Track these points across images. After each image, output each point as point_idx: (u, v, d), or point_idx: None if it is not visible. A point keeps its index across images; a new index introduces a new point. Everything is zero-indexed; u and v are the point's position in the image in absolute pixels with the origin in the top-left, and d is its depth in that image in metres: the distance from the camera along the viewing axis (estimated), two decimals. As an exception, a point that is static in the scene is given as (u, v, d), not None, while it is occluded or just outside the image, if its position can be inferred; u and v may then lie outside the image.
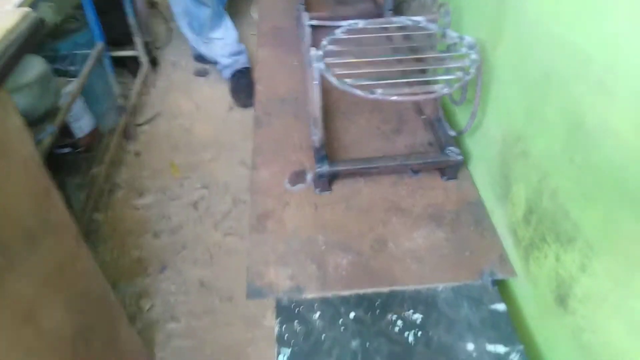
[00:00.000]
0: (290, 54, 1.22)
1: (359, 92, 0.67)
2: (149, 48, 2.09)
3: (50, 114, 1.19)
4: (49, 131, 1.10)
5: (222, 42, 1.88)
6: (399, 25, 0.83)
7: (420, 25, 0.82)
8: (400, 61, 0.78)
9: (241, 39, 2.00)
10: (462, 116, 0.92)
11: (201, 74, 2.11)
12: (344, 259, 0.73)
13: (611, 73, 0.48)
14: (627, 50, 0.46)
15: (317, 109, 0.78)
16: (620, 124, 0.47)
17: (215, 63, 2.00)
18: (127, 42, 1.93)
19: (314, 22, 0.82)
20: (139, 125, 1.82)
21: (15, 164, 0.63)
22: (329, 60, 0.74)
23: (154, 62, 2.10)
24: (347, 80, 0.69)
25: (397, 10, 1.27)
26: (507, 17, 0.71)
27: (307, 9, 1.37)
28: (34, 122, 1.14)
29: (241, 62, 1.95)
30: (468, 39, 0.76)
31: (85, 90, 1.43)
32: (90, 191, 1.42)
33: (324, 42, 0.78)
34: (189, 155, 1.68)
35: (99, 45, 1.47)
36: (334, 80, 0.69)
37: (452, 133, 0.84)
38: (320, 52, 0.74)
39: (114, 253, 1.39)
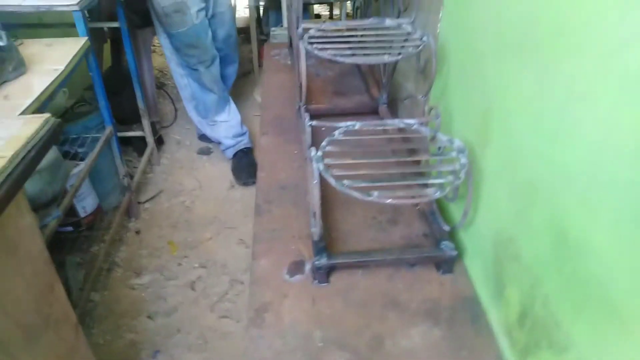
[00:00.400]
0: (291, 143, 1.28)
1: (356, 194, 0.71)
2: (155, 128, 2.19)
3: (57, 197, 1.23)
4: (55, 216, 1.13)
5: (226, 124, 1.97)
6: (392, 127, 0.88)
7: (413, 127, 0.88)
8: (395, 163, 0.83)
9: (244, 120, 2.10)
10: (456, 209, 0.96)
11: (204, 152, 2.19)
12: (341, 359, 0.73)
13: (594, 190, 0.52)
14: (608, 169, 0.50)
15: (317, 205, 0.82)
16: (603, 240, 0.50)
17: (218, 143, 2.08)
18: (135, 120, 2.02)
19: (314, 123, 0.88)
20: (142, 203, 1.86)
21: (24, 262, 0.65)
22: (328, 161, 0.78)
23: (159, 141, 2.19)
24: (345, 181, 0.73)
25: (391, 105, 1.35)
26: (493, 125, 0.77)
27: (307, 100, 1.47)
28: (41, 206, 1.17)
29: (243, 142, 2.03)
30: (457, 142, 0.81)
31: (92, 171, 1.49)
32: (89, 271, 1.42)
33: (324, 144, 0.83)
34: (189, 234, 1.70)
35: (108, 129, 1.55)
36: (332, 182, 0.73)
37: (446, 228, 0.87)
38: (320, 154, 0.79)
39: (108, 336, 1.37)
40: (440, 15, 1.02)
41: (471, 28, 0.86)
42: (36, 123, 0.69)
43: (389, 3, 1.30)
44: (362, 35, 1.00)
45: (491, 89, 0.77)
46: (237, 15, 3.49)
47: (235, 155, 2.02)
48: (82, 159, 1.50)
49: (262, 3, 3.02)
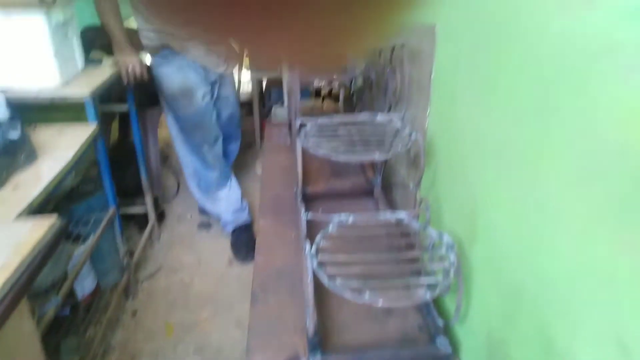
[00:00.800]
0: (289, 226, 1.32)
1: (348, 295, 0.73)
2: (157, 202, 2.23)
3: (57, 282, 1.24)
4: (54, 303, 1.14)
5: (227, 200, 2.02)
6: (384, 221, 0.92)
7: (404, 222, 0.91)
8: (387, 259, 0.85)
9: (246, 193, 2.15)
10: (451, 301, 0.97)
11: (205, 226, 2.22)
12: None
13: (574, 304, 0.54)
14: (587, 286, 0.52)
15: (311, 301, 0.83)
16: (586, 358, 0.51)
17: (218, 218, 2.12)
18: (138, 194, 2.07)
19: (310, 216, 0.92)
20: (140, 281, 1.86)
21: (19, 368, 0.66)
22: (322, 257, 0.81)
23: (161, 216, 2.22)
24: (338, 281, 0.75)
25: (385, 187, 1.39)
26: (479, 224, 0.80)
27: (305, 182, 1.52)
28: (41, 293, 1.18)
29: (243, 218, 2.06)
30: (447, 238, 0.84)
31: (93, 251, 1.51)
32: (84, 356, 1.40)
33: (318, 238, 0.86)
34: (186, 314, 1.69)
35: (112, 209, 1.59)
36: (325, 281, 0.76)
37: (440, 323, 0.88)
38: (314, 250, 0.82)
39: None
40: (428, 112, 1.09)
41: (455, 129, 0.92)
42: (42, 228, 0.72)
43: (381, 94, 1.39)
44: (356, 131, 1.06)
45: (475, 190, 0.82)
46: (240, 89, 3.68)
47: (234, 231, 2.05)
48: (84, 239, 1.53)
49: (264, 80, 3.19)
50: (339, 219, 0.90)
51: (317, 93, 3.21)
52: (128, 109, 1.80)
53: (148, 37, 1.75)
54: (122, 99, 1.82)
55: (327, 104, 2.73)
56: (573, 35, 0.53)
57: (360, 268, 0.80)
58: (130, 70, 1.59)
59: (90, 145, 1.39)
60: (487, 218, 0.77)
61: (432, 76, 1.06)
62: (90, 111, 1.38)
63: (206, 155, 1.93)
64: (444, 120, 0.99)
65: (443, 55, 1.00)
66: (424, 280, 0.77)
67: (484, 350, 0.78)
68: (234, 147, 2.22)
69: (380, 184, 1.40)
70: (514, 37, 0.67)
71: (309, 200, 1.44)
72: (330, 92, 3.34)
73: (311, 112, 2.24)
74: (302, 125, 1.08)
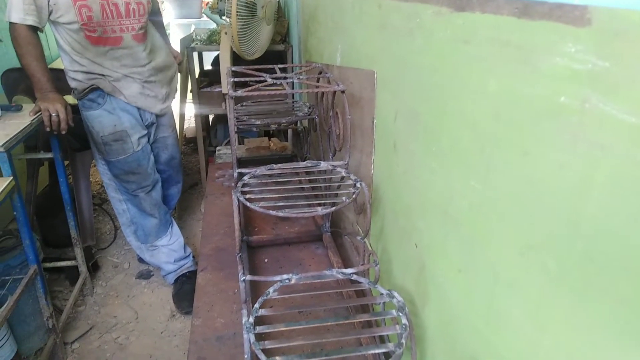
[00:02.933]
0: (231, 280, 1.22)
1: (290, 375, 0.65)
2: (91, 252, 2.05)
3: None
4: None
5: (168, 248, 1.88)
6: (331, 280, 0.85)
7: (352, 278, 0.85)
8: (334, 326, 0.78)
9: (191, 236, 2.03)
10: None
11: (144, 276, 2.06)
12: None
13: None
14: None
15: (250, 379, 0.74)
16: None
17: (159, 268, 1.97)
18: (69, 244, 1.90)
19: (248, 278, 0.84)
20: (69, 343, 1.67)
21: None
22: (261, 329, 0.73)
23: (94, 267, 2.04)
24: (277, 359, 0.67)
25: (334, 233, 1.34)
26: (429, 285, 0.75)
27: (250, 231, 1.43)
28: None
29: (186, 266, 1.93)
30: (397, 297, 0.78)
31: (11, 314, 1.33)
32: None
33: (257, 305, 0.77)
34: (120, 381, 1.52)
35: (32, 268, 1.42)
36: (263, 359, 0.67)
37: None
38: (252, 320, 0.74)
39: None
40: (372, 158, 1.05)
41: (398, 178, 0.88)
42: None
43: (325, 137, 1.35)
44: (297, 181, 1.00)
45: (423, 245, 0.77)
46: (185, 125, 3.55)
47: (177, 280, 1.90)
48: (1, 303, 1.35)
49: (211, 115, 3.09)
50: (280, 281, 0.83)
51: (266, 131, 3.15)
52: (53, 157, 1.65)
53: (76, 78, 1.63)
54: (49, 146, 1.67)
55: (275, 142, 2.68)
56: (513, 94, 0.50)
57: (305, 339, 0.72)
58: (54, 117, 1.46)
59: (7, 199, 1.24)
60: (436, 279, 0.72)
61: (374, 121, 1.03)
62: (4, 165, 1.24)
63: (143, 203, 1.80)
64: (388, 167, 0.96)
65: (383, 101, 0.97)
66: (376, 349, 0.71)
67: (440, 422, 0.72)
68: (175, 190, 2.10)
69: (328, 229, 1.34)
70: (452, 88, 0.64)
71: (254, 249, 1.35)
72: (279, 129, 3.30)
73: (258, 152, 2.17)
74: (240, 175, 1.01)
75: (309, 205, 0.90)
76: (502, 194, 0.53)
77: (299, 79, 1.15)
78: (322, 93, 1.32)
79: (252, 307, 0.77)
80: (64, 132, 1.49)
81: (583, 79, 0.40)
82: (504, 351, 0.53)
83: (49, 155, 1.63)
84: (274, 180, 1.00)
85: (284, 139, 2.78)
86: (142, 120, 1.75)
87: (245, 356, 0.71)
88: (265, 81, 1.10)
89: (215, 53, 2.78)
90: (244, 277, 0.84)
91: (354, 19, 1.15)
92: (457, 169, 0.63)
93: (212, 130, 3.18)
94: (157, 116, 1.82)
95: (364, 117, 1.08)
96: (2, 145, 1.22)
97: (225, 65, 2.31)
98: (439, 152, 0.69)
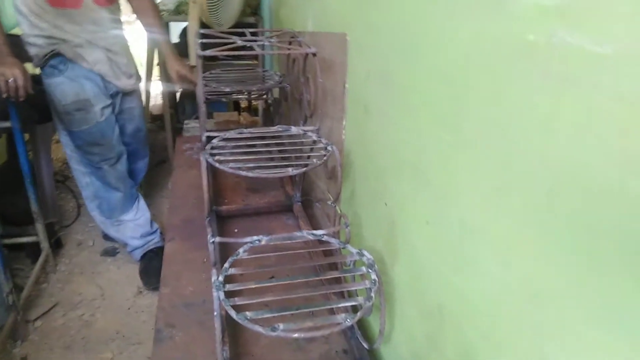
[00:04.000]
0: (200, 249, 1.20)
1: (259, 329, 0.64)
2: (53, 229, 1.98)
3: None
4: None
5: (134, 223, 1.84)
6: (301, 240, 0.85)
7: (323, 239, 0.85)
8: (304, 283, 0.78)
9: (160, 214, 1.98)
10: (375, 321, 0.91)
11: (109, 253, 2.01)
12: None
13: (497, 329, 0.50)
14: (512, 301, 0.48)
15: (219, 337, 0.73)
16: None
17: (125, 244, 1.92)
18: (30, 221, 1.82)
19: (217, 240, 0.82)
20: (32, 321, 1.62)
21: None
22: (230, 287, 0.72)
23: (57, 244, 1.98)
24: (248, 313, 0.66)
25: (304, 203, 1.33)
26: (398, 240, 0.75)
27: (219, 201, 1.41)
28: None
29: (154, 241, 1.89)
30: (367, 255, 0.78)
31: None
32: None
33: (226, 265, 0.76)
34: (86, 356, 1.49)
35: (-10, 242, 1.36)
36: (233, 314, 0.66)
37: (365, 346, 0.82)
38: (221, 279, 0.72)
39: None
40: (344, 123, 1.05)
41: (370, 140, 0.88)
42: None
43: (297, 106, 1.33)
44: (268, 145, 0.99)
45: (393, 203, 0.77)
46: (152, 103, 3.44)
47: (144, 256, 1.86)
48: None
49: (178, 92, 3.01)
50: (251, 242, 0.82)
51: (236, 106, 3.10)
52: (11, 127, 1.56)
53: (35, 44, 1.55)
54: (5, 116, 1.59)
55: (245, 117, 2.64)
56: (483, 39, 0.50)
57: (274, 296, 0.72)
58: (11, 82, 1.37)
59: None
60: (406, 234, 0.73)
61: (346, 86, 1.02)
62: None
63: (107, 176, 1.74)
64: (359, 131, 0.95)
65: (355, 65, 0.96)
66: (345, 303, 0.71)
67: (409, 375, 0.73)
68: (141, 165, 2.03)
69: (299, 199, 1.33)
70: (424, 43, 0.64)
71: (223, 220, 1.33)
72: (249, 105, 3.25)
73: (227, 126, 2.12)
74: (209, 139, 0.98)
75: (277, 167, 0.89)
76: (471, 141, 0.53)
77: (269, 42, 1.13)
78: (294, 60, 1.29)
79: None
80: (22, 99, 1.42)
81: (550, 14, 0.40)
82: (470, 294, 0.54)
83: (7, 124, 1.54)
84: (244, 144, 0.98)
85: (255, 115, 2.74)
86: (106, 89, 1.68)
87: (215, 313, 0.70)
88: (235, 43, 1.07)
89: (183, 24, 2.69)
90: (213, 239, 0.83)
91: (325, -18, 1.13)
92: (429, 123, 0.63)
93: (179, 107, 3.10)
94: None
95: (336, 82, 1.07)
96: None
97: (193, 36, 2.25)
98: (412, 110, 0.69)
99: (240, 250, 0.81)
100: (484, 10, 0.49)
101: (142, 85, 2.03)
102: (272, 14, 2.19)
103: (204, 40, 1.08)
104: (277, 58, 1.96)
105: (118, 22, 1.72)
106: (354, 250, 0.81)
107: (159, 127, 3.34)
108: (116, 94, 1.76)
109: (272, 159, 0.92)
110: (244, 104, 3.26)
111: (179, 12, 2.59)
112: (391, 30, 0.74)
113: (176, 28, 2.88)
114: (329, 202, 1.01)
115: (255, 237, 0.84)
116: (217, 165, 0.86)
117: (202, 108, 0.98)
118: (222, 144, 0.96)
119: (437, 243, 0.62)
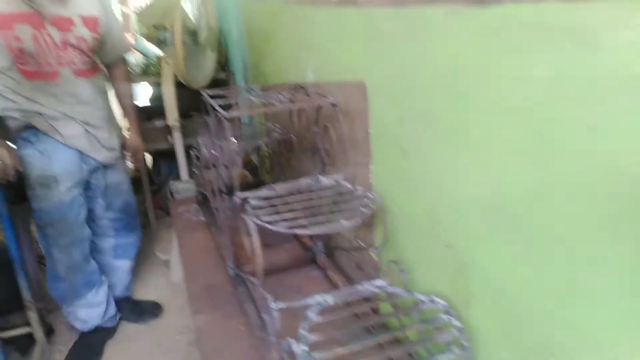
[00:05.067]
0: (233, 318, 1.13)
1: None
2: (42, 316, 1.82)
3: None
4: None
5: (86, 310, 1.74)
6: (366, 293, 0.82)
7: (388, 290, 0.82)
8: (386, 342, 0.74)
9: (143, 282, 1.88)
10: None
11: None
12: None
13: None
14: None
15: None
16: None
17: None
18: (14, 309, 1.67)
19: (282, 306, 0.78)
20: None
21: None
22: (317, 356, 0.67)
23: (50, 332, 1.81)
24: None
25: (329, 255, 1.30)
26: (472, 278, 0.74)
27: (238, 260, 1.35)
28: None
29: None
30: (440, 301, 0.77)
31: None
32: None
33: (303, 331, 0.72)
34: None
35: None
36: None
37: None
38: (304, 347, 0.68)
39: None
40: (371, 167, 1.05)
41: (415, 181, 0.87)
42: None
43: (307, 157, 1.32)
44: (301, 198, 0.97)
45: (460, 245, 0.76)
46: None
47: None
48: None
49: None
50: (318, 303, 0.78)
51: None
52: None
53: (12, 117, 1.47)
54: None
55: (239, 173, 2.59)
56: (571, 73, 0.52)
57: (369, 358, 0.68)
58: (-1, 165, 1.29)
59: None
60: (485, 273, 0.72)
61: (369, 132, 1.02)
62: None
63: (56, 264, 1.62)
64: (395, 174, 0.95)
65: (380, 110, 0.98)
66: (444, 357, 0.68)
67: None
68: (134, 238, 1.92)
69: (323, 247, 1.30)
70: (481, 85, 0.65)
71: (244, 282, 1.27)
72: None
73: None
74: (244, 200, 0.95)
75: (329, 221, 0.86)
76: (567, 173, 0.54)
77: (281, 96, 1.12)
78: (299, 112, 1.29)
79: (283, 338, 0.71)
80: (11, 179, 1.33)
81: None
82: (583, 326, 0.53)
83: None
84: (280, 201, 0.95)
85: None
86: (83, 164, 1.60)
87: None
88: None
89: (151, 87, 2.67)
90: (275, 306, 0.78)
91: (329, 34, 1.16)
92: (501, 157, 0.64)
93: (154, 168, 3.02)
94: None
95: (355, 128, 1.07)
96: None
97: (170, 96, 2.22)
98: (470, 146, 0.70)
99: (310, 312, 0.77)
100: (567, 48, 0.51)
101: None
102: (248, 69, 2.20)
103: (220, 102, 1.06)
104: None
105: (102, 93, 1.67)
106: (424, 298, 0.79)
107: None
108: (97, 169, 1.68)
109: (315, 213, 0.90)
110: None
111: (147, 73, 2.57)
112: (433, 72, 0.76)
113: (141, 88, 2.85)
114: (372, 249, 0.99)
115: (318, 297, 0.81)
116: (268, 226, 0.82)
117: (235, 170, 0.95)
118: (260, 203, 0.93)
119: (535, 278, 0.61)
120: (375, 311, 0.88)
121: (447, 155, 0.76)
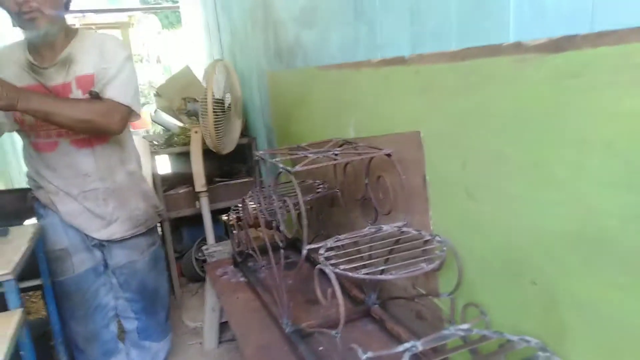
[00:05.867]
0: (297, 377, 1.10)
1: None
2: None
3: None
4: None
5: None
6: (454, 336, 0.81)
7: (481, 334, 0.81)
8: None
9: (175, 353, 1.81)
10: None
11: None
12: None
13: None
14: None
15: None
16: None
17: None
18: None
19: (371, 355, 0.76)
20: None
21: None
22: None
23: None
24: None
25: (383, 307, 1.28)
26: (568, 316, 0.73)
27: (291, 317, 1.32)
28: None
29: None
30: (533, 340, 0.76)
31: None
32: None
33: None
34: None
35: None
36: None
37: None
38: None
39: None
40: (430, 214, 1.07)
41: (486, 222, 0.89)
42: None
43: (355, 208, 1.34)
44: (371, 247, 0.98)
45: (548, 281, 0.77)
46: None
47: None
48: None
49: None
50: (408, 350, 0.77)
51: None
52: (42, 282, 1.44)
53: (29, 185, 1.53)
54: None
55: (265, 232, 2.59)
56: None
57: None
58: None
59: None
60: (580, 308, 0.71)
61: (426, 179, 1.06)
62: (11, 295, 1.06)
63: (73, 333, 1.58)
64: (460, 217, 0.97)
65: (437, 158, 1.01)
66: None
67: None
68: (160, 345, 1.77)
69: (376, 301, 1.28)
70: (559, 123, 0.69)
71: (303, 338, 1.24)
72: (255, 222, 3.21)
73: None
74: (312, 250, 0.96)
75: (404, 267, 0.87)
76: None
77: (335, 153, 1.16)
78: (345, 166, 1.34)
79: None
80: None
81: None
82: None
83: (38, 282, 1.42)
84: (352, 249, 0.96)
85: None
86: (85, 240, 1.53)
87: None
88: (307, 157, 1.09)
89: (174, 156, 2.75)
90: (366, 356, 0.77)
91: (373, 92, 1.22)
92: (591, 188, 0.66)
93: (174, 235, 3.01)
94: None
95: (410, 177, 1.11)
96: (10, 272, 1.05)
97: (198, 163, 2.28)
98: (553, 181, 0.72)
99: (404, 360, 0.75)
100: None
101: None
102: (273, 132, 2.28)
103: (277, 160, 1.10)
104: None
105: (112, 164, 1.50)
106: (514, 338, 0.78)
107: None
108: (101, 245, 1.55)
109: (386, 260, 0.91)
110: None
111: (170, 144, 2.65)
112: (503, 117, 0.80)
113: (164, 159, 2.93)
114: (445, 295, 0.98)
115: (407, 345, 0.80)
116: (349, 274, 0.83)
117: (305, 221, 0.97)
118: (329, 254, 0.94)
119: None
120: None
121: (524, 193, 0.78)
